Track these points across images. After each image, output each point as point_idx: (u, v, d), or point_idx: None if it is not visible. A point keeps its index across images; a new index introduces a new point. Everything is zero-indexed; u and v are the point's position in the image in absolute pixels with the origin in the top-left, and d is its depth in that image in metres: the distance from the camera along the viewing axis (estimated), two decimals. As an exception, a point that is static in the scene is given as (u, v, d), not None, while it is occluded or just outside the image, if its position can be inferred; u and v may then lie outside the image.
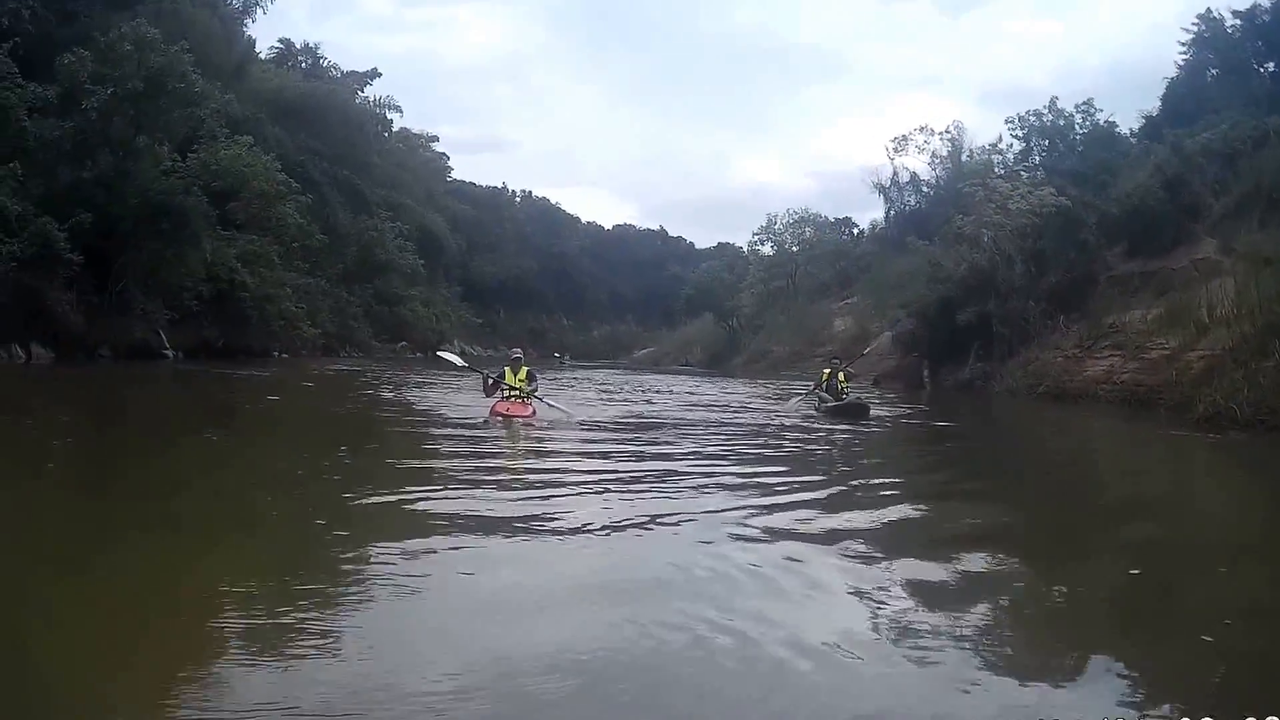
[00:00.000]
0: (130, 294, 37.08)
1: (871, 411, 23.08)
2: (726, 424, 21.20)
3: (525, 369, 19.46)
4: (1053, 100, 53.86)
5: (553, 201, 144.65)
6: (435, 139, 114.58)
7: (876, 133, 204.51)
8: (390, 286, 75.22)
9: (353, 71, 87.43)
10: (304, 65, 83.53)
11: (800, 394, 26.52)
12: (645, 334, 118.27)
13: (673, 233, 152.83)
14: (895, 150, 71.69)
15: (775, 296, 79.50)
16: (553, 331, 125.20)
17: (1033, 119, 54.73)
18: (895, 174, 72.44)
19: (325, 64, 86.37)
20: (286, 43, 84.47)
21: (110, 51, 35.62)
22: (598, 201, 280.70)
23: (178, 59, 37.75)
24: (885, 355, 48.94)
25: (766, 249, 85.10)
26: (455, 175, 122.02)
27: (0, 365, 28.48)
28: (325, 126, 70.81)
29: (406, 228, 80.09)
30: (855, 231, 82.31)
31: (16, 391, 22.78)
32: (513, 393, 19.01)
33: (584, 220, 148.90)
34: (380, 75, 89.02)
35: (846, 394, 24.06)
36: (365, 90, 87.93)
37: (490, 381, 19.34)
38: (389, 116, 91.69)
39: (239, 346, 43.07)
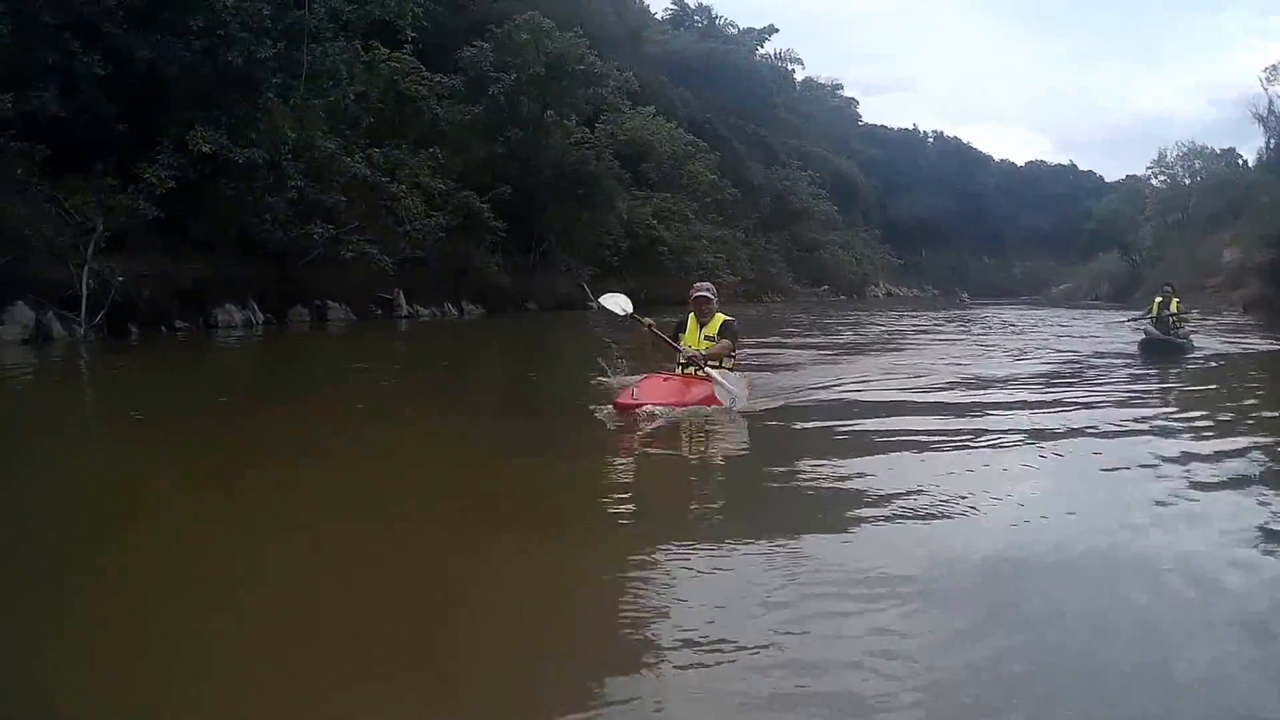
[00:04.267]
0: (553, 253, 39.09)
1: (1194, 350, 19.32)
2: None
3: (721, 319, 10.75)
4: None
5: (964, 141, 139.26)
6: (840, 86, 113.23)
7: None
8: (808, 232, 74.60)
9: (749, 29, 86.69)
10: (700, 24, 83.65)
11: (1132, 321, 22.27)
12: (1061, 269, 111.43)
13: (1083, 166, 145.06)
14: (1269, 79, 63.73)
15: (1171, 229, 74.28)
16: (975, 270, 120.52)
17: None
18: (1271, 103, 64.54)
19: (720, 22, 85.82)
20: (680, 3, 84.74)
21: (508, 40, 37.54)
22: (1006, 137, 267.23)
23: (573, 44, 39.37)
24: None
25: (1159, 182, 79.33)
26: (865, 120, 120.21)
27: (434, 321, 30.34)
28: (727, 84, 71.25)
29: (818, 175, 79.27)
30: (1240, 161, 74.35)
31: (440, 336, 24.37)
32: (681, 363, 10.59)
33: (996, 158, 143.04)
34: (777, 31, 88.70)
35: (1177, 328, 20.02)
36: (764, 46, 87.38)
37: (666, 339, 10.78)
38: (790, 68, 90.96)
39: (659, 296, 42.93)
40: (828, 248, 77.19)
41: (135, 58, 21.97)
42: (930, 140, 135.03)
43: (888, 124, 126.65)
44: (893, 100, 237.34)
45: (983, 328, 31.04)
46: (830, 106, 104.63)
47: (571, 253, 40.37)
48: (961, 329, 30.10)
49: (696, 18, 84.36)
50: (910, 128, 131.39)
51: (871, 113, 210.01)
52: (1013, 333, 28.37)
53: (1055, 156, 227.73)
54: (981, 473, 7.30)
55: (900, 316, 38.84)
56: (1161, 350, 18.66)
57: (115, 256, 20.66)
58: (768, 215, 68.62)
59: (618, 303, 10.97)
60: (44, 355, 17.08)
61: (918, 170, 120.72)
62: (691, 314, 10.55)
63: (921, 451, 8.18)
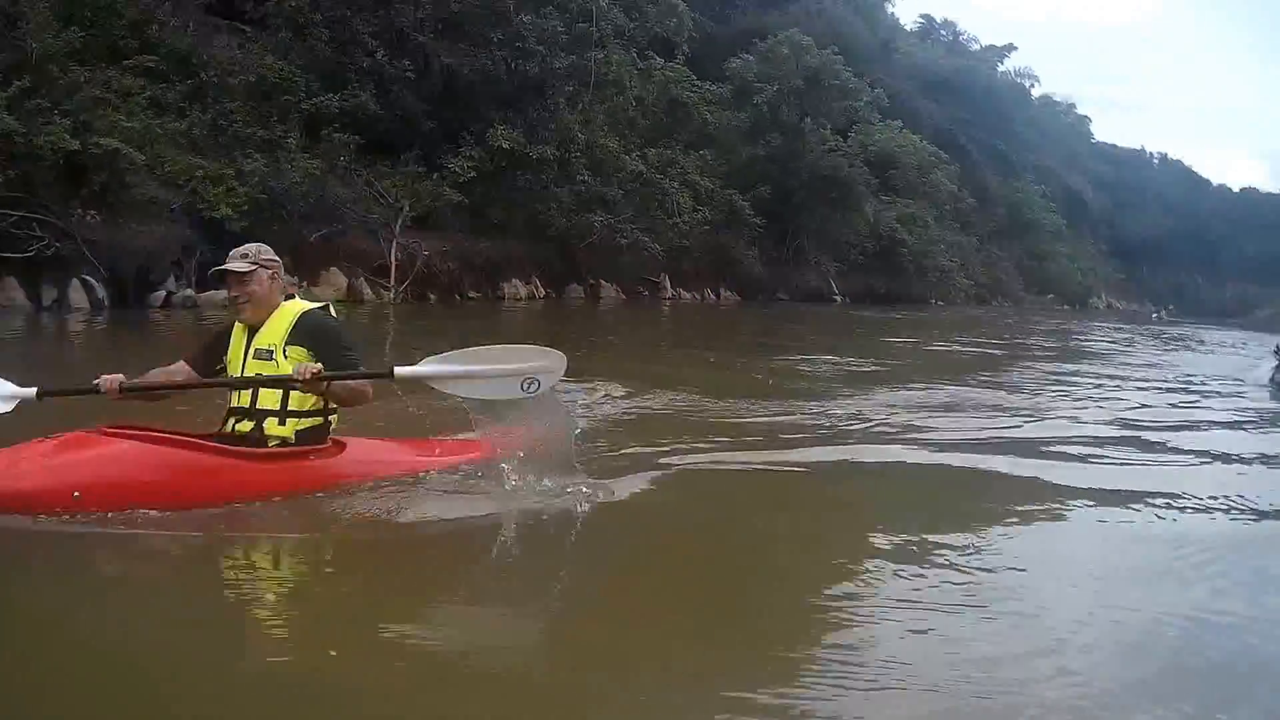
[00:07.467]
0: (804, 249, 38.28)
1: None
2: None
3: (298, 311, 4.27)
4: None
5: (1186, 164, 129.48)
6: (1074, 105, 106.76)
7: None
8: (1038, 243, 70.04)
9: (990, 45, 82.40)
10: (945, 38, 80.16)
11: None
12: (1269, 294, 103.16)
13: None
14: None
15: None
16: (1189, 289, 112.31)
17: None
18: None
19: (964, 38, 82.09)
20: (928, 18, 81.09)
21: (771, 55, 36.76)
22: (1224, 162, 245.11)
23: (830, 60, 38.31)
24: None
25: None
26: (1097, 138, 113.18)
27: (693, 303, 30.34)
28: (968, 98, 67.68)
29: (1050, 189, 74.97)
30: None
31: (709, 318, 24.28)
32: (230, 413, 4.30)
33: (1214, 183, 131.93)
34: (1016, 49, 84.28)
35: None
36: (1004, 63, 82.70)
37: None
38: (1028, 85, 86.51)
39: (899, 294, 42.53)
40: (1055, 259, 72.27)
41: (439, 64, 22.81)
42: (1156, 161, 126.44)
43: (1118, 143, 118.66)
44: (1121, 119, 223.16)
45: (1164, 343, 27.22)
46: (1064, 124, 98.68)
47: (821, 249, 39.37)
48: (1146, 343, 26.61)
49: (942, 31, 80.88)
50: (1139, 148, 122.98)
51: (1101, 131, 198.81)
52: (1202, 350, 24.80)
53: (1270, 184, 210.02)
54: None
55: (1099, 327, 35.40)
56: None
57: (419, 233, 21.22)
58: (1001, 224, 65.04)
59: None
60: (352, 313, 17.65)
61: (1143, 189, 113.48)
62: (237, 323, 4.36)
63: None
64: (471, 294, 22.24)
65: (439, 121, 22.76)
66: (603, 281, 26.75)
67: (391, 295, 19.93)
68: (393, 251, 20.14)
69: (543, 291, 24.92)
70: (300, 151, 18.72)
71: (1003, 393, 10.78)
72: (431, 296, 20.99)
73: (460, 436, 5.11)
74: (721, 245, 32.11)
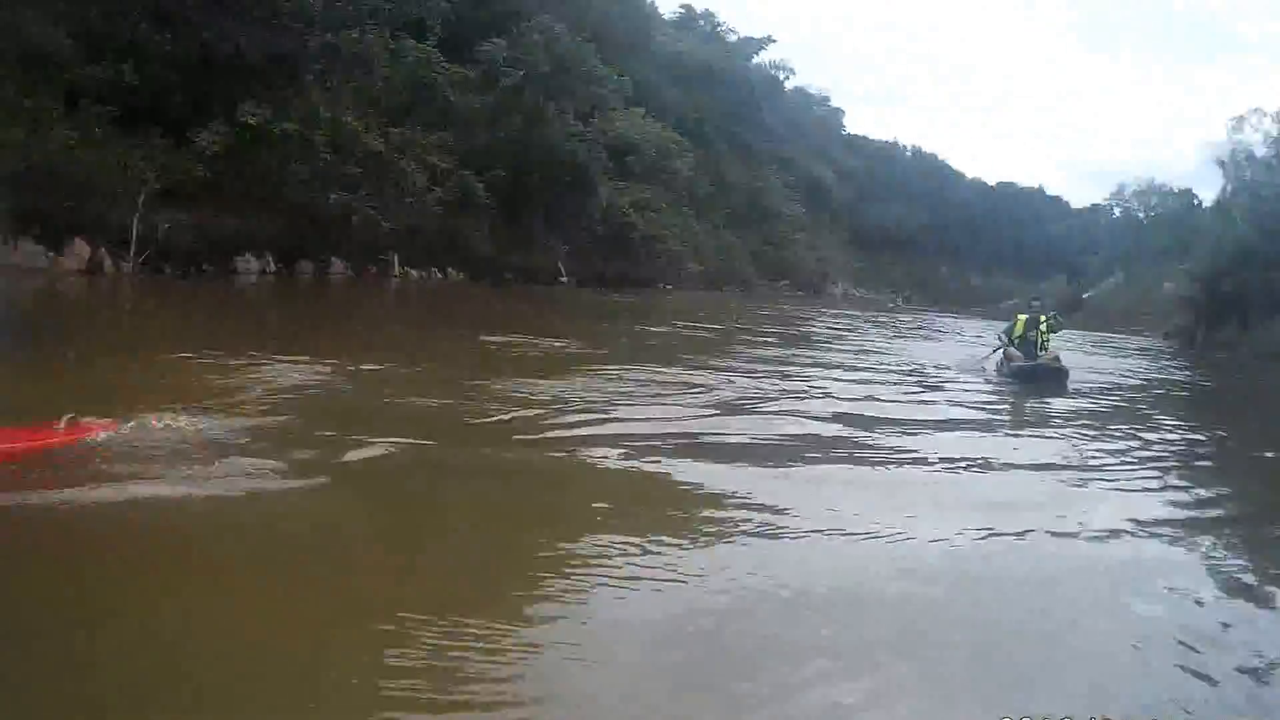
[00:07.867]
0: (535, 230, 39.96)
1: (1070, 377, 15.74)
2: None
3: None
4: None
5: (941, 158, 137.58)
6: (828, 98, 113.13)
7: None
8: (776, 230, 74.68)
9: (748, 37, 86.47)
10: (703, 29, 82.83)
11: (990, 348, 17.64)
12: (1014, 286, 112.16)
13: (1053, 190, 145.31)
14: (1234, 129, 65.72)
15: (1122, 258, 76.70)
16: (934, 280, 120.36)
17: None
18: (1233, 151, 66.64)
19: (722, 29, 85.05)
20: (687, 8, 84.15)
21: (522, 39, 38.51)
22: (985, 155, 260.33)
23: (581, 48, 40.84)
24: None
25: (1118, 213, 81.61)
26: (851, 130, 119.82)
27: (420, 281, 32.29)
28: (719, 88, 70.97)
29: (794, 179, 79.91)
30: (1196, 202, 76.51)
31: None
32: None
33: (969, 176, 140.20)
34: (774, 41, 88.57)
35: (1045, 351, 15.98)
36: (760, 55, 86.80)
37: None
38: (783, 77, 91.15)
39: (628, 277, 44.69)
40: (792, 246, 77.22)
41: (198, 38, 24.11)
42: (909, 154, 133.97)
43: (871, 135, 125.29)
44: (882, 112, 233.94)
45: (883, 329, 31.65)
46: (815, 116, 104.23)
47: (553, 232, 41.40)
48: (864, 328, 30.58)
49: (701, 21, 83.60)
50: (891, 140, 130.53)
51: (865, 123, 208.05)
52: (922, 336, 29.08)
53: (1030, 177, 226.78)
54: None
55: (828, 313, 39.88)
56: (1036, 377, 15.27)
57: (163, 206, 22.89)
58: (740, 211, 69.25)
59: None
60: (94, 283, 20.05)
61: (892, 181, 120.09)
62: None
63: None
64: (205, 267, 23.98)
65: (192, 95, 24.33)
66: (333, 259, 28.68)
67: (130, 267, 21.84)
68: (134, 224, 22.08)
69: (274, 267, 26.67)
70: (58, 122, 20.57)
71: (708, 379, 11.44)
72: (167, 269, 22.78)
73: (37, 424, 5.18)
74: (454, 225, 33.73)
